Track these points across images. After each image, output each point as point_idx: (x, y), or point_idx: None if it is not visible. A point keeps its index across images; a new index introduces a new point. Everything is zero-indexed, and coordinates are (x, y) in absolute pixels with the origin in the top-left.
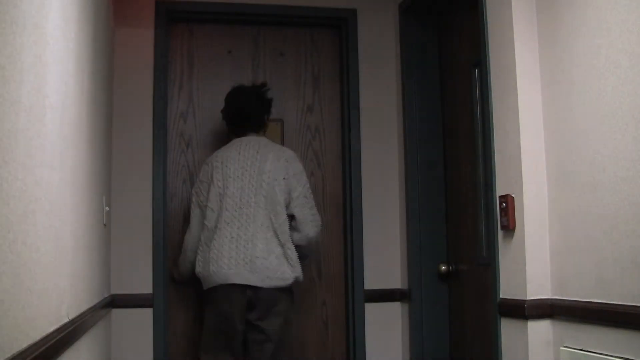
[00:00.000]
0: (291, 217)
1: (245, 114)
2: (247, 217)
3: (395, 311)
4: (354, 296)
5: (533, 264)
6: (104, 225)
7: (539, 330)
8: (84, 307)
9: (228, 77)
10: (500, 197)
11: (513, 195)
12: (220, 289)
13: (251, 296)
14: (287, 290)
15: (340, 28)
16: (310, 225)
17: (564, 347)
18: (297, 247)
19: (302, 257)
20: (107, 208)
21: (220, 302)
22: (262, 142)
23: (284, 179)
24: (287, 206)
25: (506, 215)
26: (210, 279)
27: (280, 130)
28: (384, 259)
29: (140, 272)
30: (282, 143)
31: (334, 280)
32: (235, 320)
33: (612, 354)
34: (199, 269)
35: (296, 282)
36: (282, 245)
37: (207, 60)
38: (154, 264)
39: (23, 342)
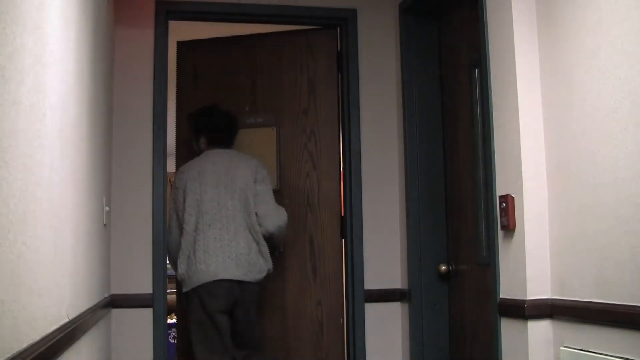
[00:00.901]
0: (256, 214)
1: (230, 131)
2: (227, 219)
3: (395, 311)
4: (354, 296)
5: (533, 264)
6: (104, 225)
7: (539, 330)
8: (84, 307)
9: (227, 78)
10: (500, 197)
11: (513, 195)
12: (208, 286)
13: (237, 290)
14: (260, 284)
15: (340, 28)
16: (269, 219)
17: (564, 347)
18: (266, 241)
19: (272, 249)
20: (107, 208)
21: (208, 298)
22: (232, 153)
23: (254, 182)
24: (255, 205)
25: (506, 215)
26: (197, 278)
27: (276, 134)
28: (384, 259)
29: (140, 272)
30: (278, 147)
31: (329, 279)
32: (220, 314)
33: (612, 354)
34: (181, 270)
35: (268, 274)
36: (257, 242)
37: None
38: (154, 264)
39: (23, 342)
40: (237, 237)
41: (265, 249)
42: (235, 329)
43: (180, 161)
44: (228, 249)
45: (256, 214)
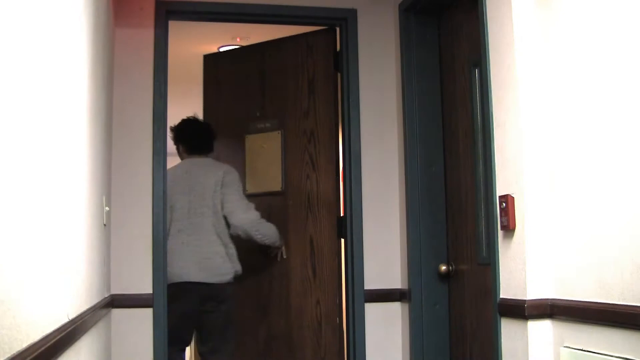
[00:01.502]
0: (225, 218)
1: (204, 139)
2: (195, 225)
3: (395, 311)
4: (354, 296)
5: (533, 264)
6: (104, 225)
7: (539, 330)
8: (84, 307)
9: (242, 86)
10: (500, 197)
11: (513, 195)
12: (176, 287)
13: (203, 291)
14: (230, 284)
15: (340, 28)
16: (235, 215)
17: (564, 347)
18: (240, 237)
19: (267, 246)
20: (107, 208)
21: (177, 298)
22: (207, 162)
23: (221, 187)
24: (222, 209)
25: (506, 215)
26: (168, 279)
27: (281, 138)
28: (384, 259)
29: (140, 272)
30: (284, 151)
31: (327, 279)
32: (184, 313)
33: (612, 354)
34: None
35: (235, 275)
36: (225, 246)
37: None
38: (154, 264)
39: (23, 342)
40: (202, 242)
41: (233, 251)
42: (205, 325)
43: None
44: (193, 254)
45: (225, 216)
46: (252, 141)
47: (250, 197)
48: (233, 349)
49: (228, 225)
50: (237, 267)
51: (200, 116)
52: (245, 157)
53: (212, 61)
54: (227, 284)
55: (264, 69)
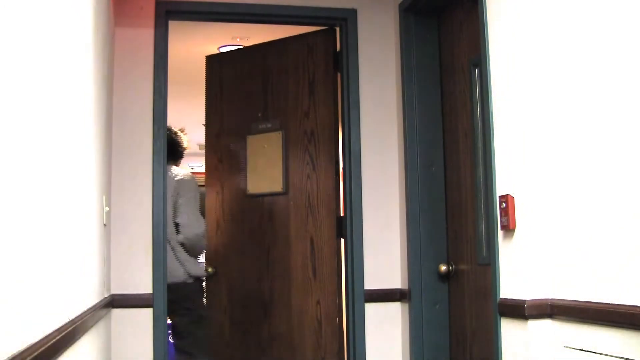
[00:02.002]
0: (177, 224)
1: (173, 152)
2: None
3: (395, 311)
4: (354, 296)
5: (533, 264)
6: (104, 225)
7: (539, 330)
8: (84, 307)
9: (244, 86)
10: (500, 197)
11: (513, 196)
12: None
13: (169, 292)
14: (187, 284)
15: (340, 28)
16: (187, 228)
17: (564, 347)
18: (185, 246)
19: (194, 255)
20: (107, 208)
21: None
22: (173, 169)
23: (173, 196)
24: (174, 216)
25: (506, 215)
26: None
27: (282, 138)
28: (384, 259)
29: (140, 272)
30: (285, 151)
31: (328, 279)
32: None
33: (612, 354)
34: None
35: (190, 276)
36: (173, 249)
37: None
38: (153, 264)
39: (23, 342)
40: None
41: (181, 255)
42: (177, 322)
43: (210, 162)
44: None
45: (178, 224)
46: (254, 142)
47: (252, 197)
48: (206, 344)
49: (177, 230)
50: (191, 270)
51: (203, 118)
52: (247, 158)
53: (214, 62)
54: (183, 283)
55: (265, 69)
